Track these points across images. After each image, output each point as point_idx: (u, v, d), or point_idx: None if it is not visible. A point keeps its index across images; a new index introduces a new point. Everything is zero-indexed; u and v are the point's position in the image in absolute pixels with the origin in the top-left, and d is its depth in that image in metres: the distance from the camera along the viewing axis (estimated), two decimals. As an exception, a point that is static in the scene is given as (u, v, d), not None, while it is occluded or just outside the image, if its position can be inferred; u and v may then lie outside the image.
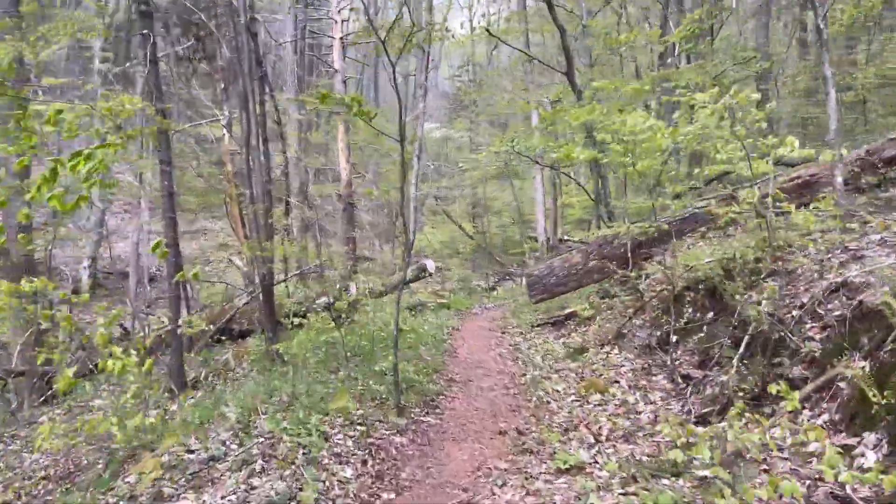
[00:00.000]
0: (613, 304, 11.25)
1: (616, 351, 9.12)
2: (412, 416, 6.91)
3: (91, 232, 26.75)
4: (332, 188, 21.04)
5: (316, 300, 12.47)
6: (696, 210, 11.71)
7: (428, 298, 16.37)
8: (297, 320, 10.62)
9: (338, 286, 12.63)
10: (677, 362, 7.52)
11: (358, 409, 6.91)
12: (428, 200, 28.13)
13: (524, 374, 8.84)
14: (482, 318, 16.02)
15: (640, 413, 6.64)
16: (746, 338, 6.55)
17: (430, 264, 16.03)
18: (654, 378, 7.67)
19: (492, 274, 26.29)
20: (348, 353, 9.73)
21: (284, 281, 15.12)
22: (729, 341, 6.95)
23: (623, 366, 8.44)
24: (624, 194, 13.40)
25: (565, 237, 29.17)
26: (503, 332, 12.84)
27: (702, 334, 7.79)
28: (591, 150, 6.95)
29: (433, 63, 35.32)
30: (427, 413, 7.12)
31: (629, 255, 10.87)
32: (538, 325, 12.83)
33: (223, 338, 12.43)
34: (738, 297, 7.38)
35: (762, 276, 7.57)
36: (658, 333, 8.55)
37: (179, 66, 16.03)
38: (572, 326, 11.67)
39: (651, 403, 6.94)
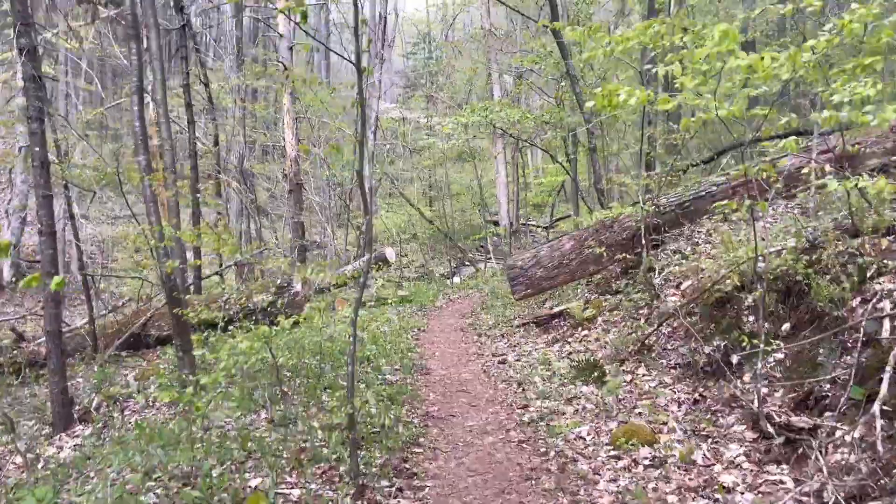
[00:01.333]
0: (619, 304, 8.75)
1: (642, 370, 6.60)
2: (378, 499, 4.24)
3: (13, 217, 23.19)
4: (278, 164, 18.06)
5: (251, 300, 9.66)
6: (714, 187, 9.30)
7: (386, 293, 13.67)
8: (222, 323, 7.84)
9: (278, 281, 9.88)
10: (755, 398, 5.00)
11: (292, 489, 4.23)
12: (383, 182, 25.28)
13: (525, 406, 6.25)
14: (449, 313, 13.43)
15: (729, 490, 4.11)
16: (889, 372, 4.08)
17: (390, 253, 13.33)
18: (720, 419, 5.15)
19: (450, 259, 23.69)
20: (286, 376, 7.03)
21: (219, 273, 12.25)
22: (851, 373, 4.45)
23: (661, 394, 5.93)
24: (637, 167, 10.91)
25: (526, 222, 26.76)
26: (479, 335, 10.26)
27: (781, 355, 5.31)
28: (643, 91, 4.25)
29: (387, 41, 32.36)
30: (400, 490, 4.46)
31: (643, 240, 8.38)
32: (520, 326, 10.28)
33: (123, 353, 9.54)
34: (840, 303, 4.95)
35: (869, 275, 5.15)
36: (707, 350, 6.04)
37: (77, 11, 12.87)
38: (565, 330, 9.15)
39: (736, 468, 4.42)
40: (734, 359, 5.63)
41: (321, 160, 17.31)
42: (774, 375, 5.27)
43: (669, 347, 6.74)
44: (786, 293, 5.71)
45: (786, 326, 5.53)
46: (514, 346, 9.12)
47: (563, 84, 13.35)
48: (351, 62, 4.02)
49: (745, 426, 4.89)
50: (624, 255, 8.97)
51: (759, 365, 4.75)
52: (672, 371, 6.33)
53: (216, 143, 12.95)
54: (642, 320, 7.86)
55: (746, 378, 5.43)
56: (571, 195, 17.94)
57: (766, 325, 5.72)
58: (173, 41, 10.80)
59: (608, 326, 8.43)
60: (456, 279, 20.96)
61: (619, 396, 6.07)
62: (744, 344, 5.06)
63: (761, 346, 4.72)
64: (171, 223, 7.26)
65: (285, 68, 16.68)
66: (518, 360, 8.19)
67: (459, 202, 27.66)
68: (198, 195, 10.11)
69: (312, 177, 19.06)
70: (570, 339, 8.65)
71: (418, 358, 8.67)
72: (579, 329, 8.84)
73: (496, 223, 24.55)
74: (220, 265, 12.60)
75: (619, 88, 4.33)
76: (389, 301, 12.95)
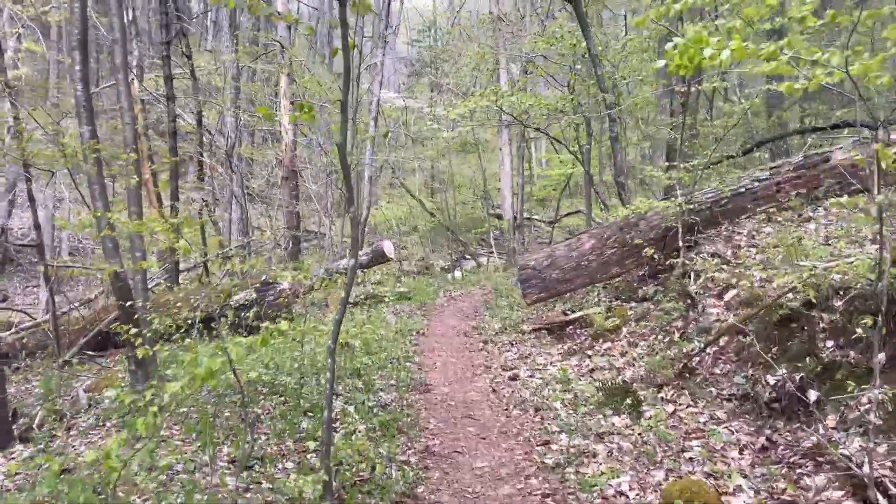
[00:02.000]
0: (647, 313, 7.53)
1: (686, 399, 5.39)
2: None
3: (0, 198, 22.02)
4: (275, 149, 16.79)
5: (230, 298, 8.45)
6: (756, 182, 8.07)
7: (384, 290, 12.43)
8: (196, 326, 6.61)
9: (263, 277, 8.65)
10: (859, 455, 3.79)
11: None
12: (384, 172, 23.99)
13: (546, 442, 5.04)
14: (451, 312, 12.21)
15: None
16: None
17: (389, 247, 12.09)
18: (804, 478, 3.93)
19: (451, 253, 22.44)
20: (263, 392, 5.84)
21: (199, 265, 11.03)
22: None
23: (715, 435, 4.71)
24: (651, 160, 9.67)
25: (530, 216, 25.52)
26: (485, 342, 9.04)
27: (877, 390, 4.08)
28: (738, 41, 2.99)
29: (391, 29, 31.06)
30: (390, 579, 3.25)
31: (680, 241, 7.18)
32: (530, 332, 9.06)
33: (89, 353, 8.32)
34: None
35: None
36: (771, 380, 4.82)
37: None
38: (584, 340, 7.94)
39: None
40: (812, 395, 4.41)
41: (319, 146, 16.04)
42: (870, 421, 4.06)
43: (718, 372, 5.52)
44: (874, 311, 4.48)
45: (881, 357, 4.31)
46: (526, 357, 7.91)
47: (579, 67, 12.11)
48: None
49: (842, 492, 3.67)
50: (655, 256, 7.72)
51: (873, 415, 3.53)
52: (725, 403, 5.11)
53: (199, 123, 11.65)
54: (677, 335, 6.65)
55: (831, 421, 4.21)
56: (584, 189, 16.70)
57: (853, 353, 4.51)
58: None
59: (635, 339, 7.22)
60: (457, 273, 19.75)
61: (662, 433, 4.85)
62: (845, 384, 3.82)
63: (875, 390, 3.51)
64: (131, 211, 6.02)
65: (283, 48, 15.42)
66: (532, 377, 6.98)
67: (461, 194, 26.38)
68: (177, 179, 8.87)
69: (310, 164, 17.77)
70: (589, 353, 7.44)
71: (417, 369, 7.46)
72: (600, 340, 7.62)
73: (499, 217, 23.32)
74: (205, 255, 11.38)
75: (704, 40, 3.07)
76: (387, 299, 11.73)
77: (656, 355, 6.52)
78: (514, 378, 7.01)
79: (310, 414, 5.47)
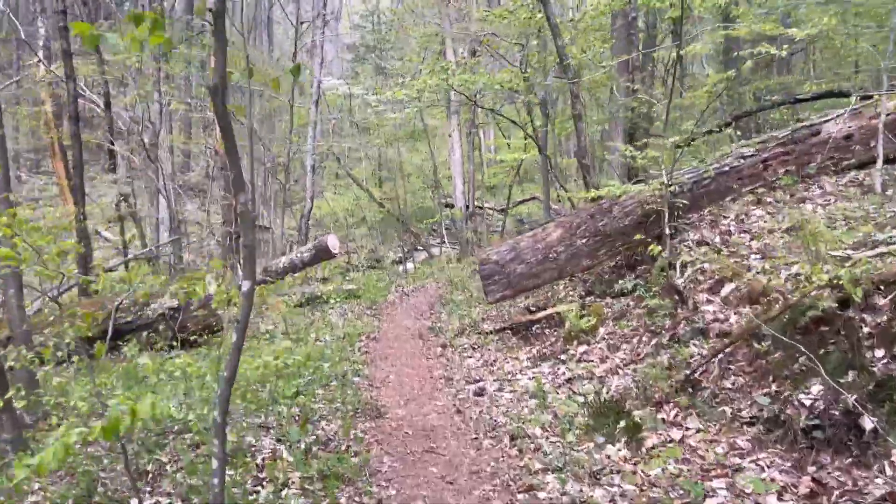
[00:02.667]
0: (627, 310, 6.50)
1: (696, 422, 4.33)
2: None
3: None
4: (204, 140, 15.24)
5: (148, 306, 7.08)
6: (741, 160, 7.10)
7: (329, 289, 11.13)
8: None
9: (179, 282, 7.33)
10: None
11: None
12: (329, 161, 22.52)
13: (529, 489, 3.91)
14: (404, 310, 11.02)
15: None
16: None
17: (333, 241, 10.80)
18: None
19: (402, 245, 21.18)
20: (170, 429, 4.59)
21: (114, 267, 9.59)
22: None
23: (737, 469, 3.68)
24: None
25: (481, 205, 24.40)
26: (444, 346, 7.90)
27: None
28: None
29: (333, 14, 29.60)
30: None
31: (666, 227, 6.16)
32: (493, 332, 7.97)
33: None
34: None
35: None
36: (807, 401, 3.79)
37: None
38: (555, 342, 6.87)
39: None
40: (867, 423, 3.40)
41: (256, 134, 14.59)
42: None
43: (730, 386, 4.49)
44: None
45: (955, 372, 3.32)
46: (491, 364, 6.80)
47: (536, 43, 11.02)
48: None
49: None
50: (626, 245, 6.70)
51: (869, 423, 2.51)
52: (746, 428, 4.07)
53: (108, 106, 10.06)
54: (666, 337, 5.62)
55: (897, 457, 3.20)
56: (542, 174, 15.67)
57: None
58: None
59: (616, 342, 6.17)
60: (409, 266, 18.54)
61: (671, 471, 3.79)
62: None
63: None
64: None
65: (212, 26, 13.86)
66: (501, 391, 5.87)
67: (411, 184, 25.06)
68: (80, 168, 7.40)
69: (248, 153, 16.24)
70: (563, 357, 6.37)
71: (367, 386, 6.26)
72: (574, 343, 6.55)
73: (450, 206, 22.15)
74: (125, 255, 9.86)
75: None
76: (332, 300, 10.46)
77: (643, 362, 5.50)
78: (480, 393, 5.88)
79: (231, 459, 4.23)
